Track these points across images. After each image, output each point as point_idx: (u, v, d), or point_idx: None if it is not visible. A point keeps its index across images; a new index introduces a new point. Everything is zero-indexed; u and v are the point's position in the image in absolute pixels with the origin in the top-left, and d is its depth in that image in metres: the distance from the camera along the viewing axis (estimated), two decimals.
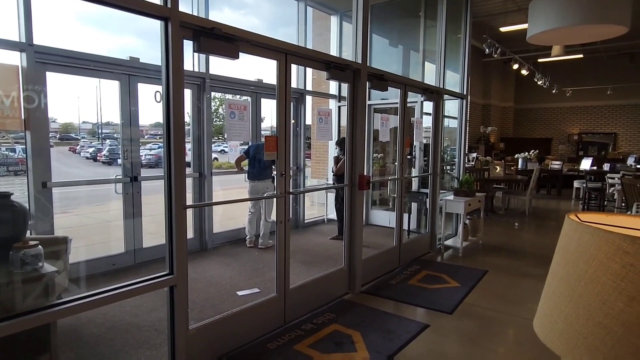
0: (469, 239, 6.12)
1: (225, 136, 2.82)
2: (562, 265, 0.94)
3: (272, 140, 3.15)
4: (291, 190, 4.41)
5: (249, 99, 6.18)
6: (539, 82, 12.22)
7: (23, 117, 3.60)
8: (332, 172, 5.90)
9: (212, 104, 6.73)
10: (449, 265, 5.12)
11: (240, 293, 4.06)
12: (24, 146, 3.94)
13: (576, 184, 10.72)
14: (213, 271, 4.74)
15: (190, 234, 5.45)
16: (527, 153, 11.58)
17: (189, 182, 5.43)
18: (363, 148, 4.05)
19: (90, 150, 11.03)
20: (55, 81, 4.22)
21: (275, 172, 5.25)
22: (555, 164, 11.95)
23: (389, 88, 4.43)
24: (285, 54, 3.18)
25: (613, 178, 9.40)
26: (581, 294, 0.85)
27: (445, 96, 5.85)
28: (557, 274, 0.95)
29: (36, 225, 3.88)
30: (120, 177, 4.70)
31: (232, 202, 4.45)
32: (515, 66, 10.47)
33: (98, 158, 10.56)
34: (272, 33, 2.97)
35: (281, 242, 3.37)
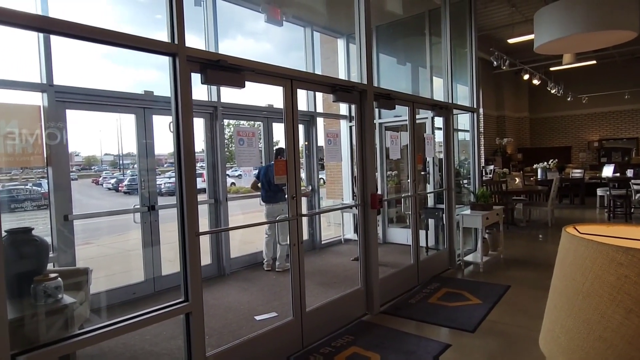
0: (490, 254, 5.98)
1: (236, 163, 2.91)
2: (561, 279, 0.93)
3: (281, 163, 3.20)
4: (304, 212, 4.44)
5: (261, 124, 6.31)
6: (552, 91, 12.08)
7: (45, 154, 3.77)
8: (354, 193, 5.89)
9: (227, 130, 6.90)
10: (470, 282, 5.00)
11: (258, 318, 4.06)
12: (46, 181, 4.10)
13: (599, 191, 10.42)
14: (231, 297, 4.75)
15: (208, 259, 5.50)
16: (546, 163, 11.36)
17: (204, 208, 5.53)
18: (373, 167, 4.06)
19: (112, 181, 11.36)
20: (75, 118, 4.42)
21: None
22: (577, 172, 11.67)
23: (387, 110, 4.45)
24: (290, 80, 3.26)
25: (638, 184, 9.11)
26: (580, 307, 0.84)
27: (458, 110, 5.85)
28: (557, 288, 0.94)
29: (58, 258, 3.99)
30: (138, 206, 4.82)
31: (244, 227, 4.50)
32: (526, 77, 10.40)
33: (120, 188, 10.86)
34: (283, 57, 3.07)
35: (295, 264, 3.38)
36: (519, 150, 15.09)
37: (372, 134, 4.01)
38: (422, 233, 5.49)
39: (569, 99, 13.35)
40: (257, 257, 6.02)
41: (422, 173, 6.41)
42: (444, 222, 5.68)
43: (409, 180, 5.09)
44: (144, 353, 3.40)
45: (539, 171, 11.28)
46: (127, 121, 4.94)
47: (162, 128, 5.17)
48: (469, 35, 6.10)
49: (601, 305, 0.80)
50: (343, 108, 7.76)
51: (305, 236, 5.68)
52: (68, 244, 4.17)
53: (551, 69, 12.37)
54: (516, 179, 10.28)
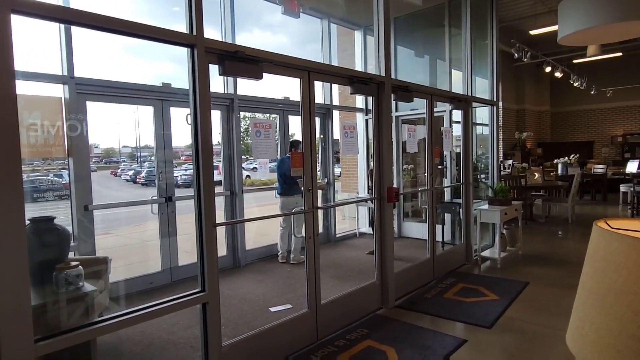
0: (508, 250, 5.88)
1: (252, 155, 2.93)
2: (591, 275, 0.89)
3: (298, 156, 3.19)
4: (320, 204, 4.42)
5: (277, 116, 6.30)
6: (575, 84, 11.75)
7: (66, 145, 3.84)
8: (369, 186, 5.85)
9: (242, 123, 6.92)
10: (487, 277, 4.93)
11: (272, 309, 4.08)
12: (67, 172, 4.18)
13: (623, 188, 10.13)
14: (246, 288, 4.79)
15: (223, 251, 5.55)
16: (567, 158, 11.09)
17: (220, 200, 5.57)
18: (390, 160, 4.02)
19: (130, 173, 11.55)
20: (95, 109, 4.49)
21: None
22: (599, 168, 11.36)
23: (405, 102, 4.37)
24: (307, 72, 3.24)
25: None
26: (612, 304, 0.81)
27: (477, 103, 5.73)
28: (587, 284, 0.90)
29: (79, 247, 4.08)
30: (156, 197, 4.88)
31: (260, 219, 4.53)
32: (548, 69, 10.13)
33: (137, 180, 11.03)
34: (300, 50, 3.05)
35: (311, 257, 3.37)
36: (539, 145, 14.76)
37: (389, 126, 3.96)
38: (438, 227, 5.43)
39: (592, 92, 12.96)
40: (271, 249, 6.05)
41: (439, 167, 6.33)
42: (461, 217, 5.60)
43: (425, 174, 5.03)
44: (161, 341, 3.46)
45: (560, 166, 11.03)
46: (145, 114, 4.99)
47: (180, 120, 5.21)
48: (490, 26, 5.96)
49: (635, 303, 0.76)
50: (359, 101, 7.70)
51: (320, 229, 5.67)
52: (88, 233, 4.26)
53: (574, 61, 12.03)
54: (535, 174, 10.07)
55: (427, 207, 4.87)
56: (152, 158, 5.27)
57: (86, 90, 4.19)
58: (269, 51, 2.85)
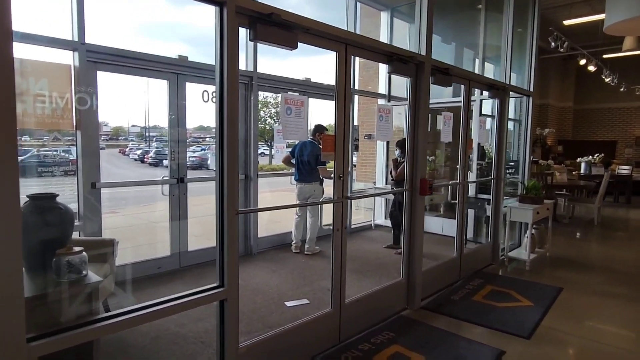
0: (536, 251, 5.55)
1: (280, 134, 2.61)
2: None
3: (330, 139, 2.85)
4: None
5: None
6: (607, 80, 11.19)
7: (75, 118, 3.53)
8: (391, 176, 5.51)
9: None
10: (517, 280, 4.61)
11: (288, 304, 3.80)
12: (75, 147, 3.89)
13: None
14: (259, 278, 4.51)
15: None
16: (591, 157, 10.63)
17: None
18: (425, 149, 3.67)
19: (139, 152, 11.32)
20: (106, 81, 4.16)
21: (327, 175, 4.98)
22: (624, 169, 10.92)
23: (443, 86, 3.98)
24: (345, 45, 2.88)
25: None
26: None
27: (513, 93, 5.34)
28: None
29: (84, 226, 3.80)
30: (167, 178, 4.59)
31: (285, 208, 4.23)
32: (583, 61, 9.62)
33: (145, 160, 10.80)
34: None
35: (337, 251, 3.06)
36: (560, 142, 14.27)
37: (427, 111, 3.60)
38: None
39: (622, 89, 12.37)
40: (284, 237, 5.76)
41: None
42: (488, 214, 5.26)
43: (444, 167, 4.67)
44: (170, 334, 3.19)
45: (583, 165, 10.58)
46: (156, 92, 4.67)
47: (192, 99, 4.85)
48: (532, 12, 5.51)
49: None
50: (382, 86, 7.33)
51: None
52: (94, 212, 3.98)
53: (604, 56, 11.46)
54: (557, 172, 9.65)
55: (457, 202, 4.53)
56: (163, 138, 4.96)
57: (97, 59, 3.86)
58: (307, 17, 2.49)
